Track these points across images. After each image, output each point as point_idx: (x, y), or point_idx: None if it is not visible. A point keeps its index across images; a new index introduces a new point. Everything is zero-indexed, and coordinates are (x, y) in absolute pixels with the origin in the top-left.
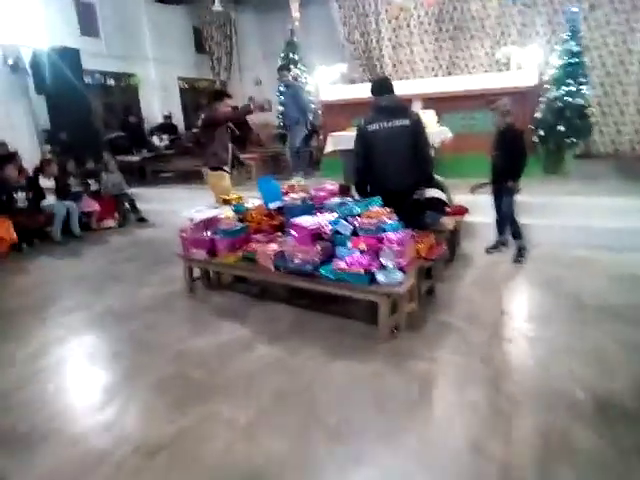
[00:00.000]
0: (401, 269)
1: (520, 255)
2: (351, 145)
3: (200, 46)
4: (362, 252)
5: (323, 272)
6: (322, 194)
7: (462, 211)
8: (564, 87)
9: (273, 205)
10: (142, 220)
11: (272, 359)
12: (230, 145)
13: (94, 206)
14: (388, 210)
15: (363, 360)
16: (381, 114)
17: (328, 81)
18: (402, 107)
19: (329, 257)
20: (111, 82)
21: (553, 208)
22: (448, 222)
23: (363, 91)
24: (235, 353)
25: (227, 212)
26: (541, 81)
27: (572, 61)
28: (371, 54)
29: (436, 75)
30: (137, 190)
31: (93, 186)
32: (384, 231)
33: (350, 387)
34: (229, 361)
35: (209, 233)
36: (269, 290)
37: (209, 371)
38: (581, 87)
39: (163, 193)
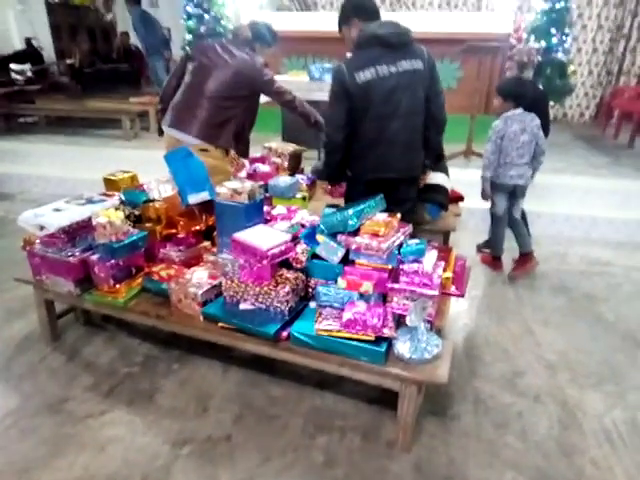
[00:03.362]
0: (431, 323)
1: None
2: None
3: None
4: (364, 297)
5: (298, 335)
6: (263, 169)
7: (457, 197)
8: (546, 38)
9: (194, 198)
10: None
11: None
12: None
13: None
14: (397, 218)
15: None
16: (380, 51)
17: (252, 6)
18: (409, 38)
19: (303, 300)
20: None
21: (540, 191)
22: (451, 219)
23: (299, 22)
24: None
25: (110, 212)
26: (517, 29)
27: (558, 6)
28: None
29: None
30: None
31: None
32: (399, 259)
33: None
34: None
35: (78, 250)
36: None
37: None
38: (564, 39)
39: (23, 148)
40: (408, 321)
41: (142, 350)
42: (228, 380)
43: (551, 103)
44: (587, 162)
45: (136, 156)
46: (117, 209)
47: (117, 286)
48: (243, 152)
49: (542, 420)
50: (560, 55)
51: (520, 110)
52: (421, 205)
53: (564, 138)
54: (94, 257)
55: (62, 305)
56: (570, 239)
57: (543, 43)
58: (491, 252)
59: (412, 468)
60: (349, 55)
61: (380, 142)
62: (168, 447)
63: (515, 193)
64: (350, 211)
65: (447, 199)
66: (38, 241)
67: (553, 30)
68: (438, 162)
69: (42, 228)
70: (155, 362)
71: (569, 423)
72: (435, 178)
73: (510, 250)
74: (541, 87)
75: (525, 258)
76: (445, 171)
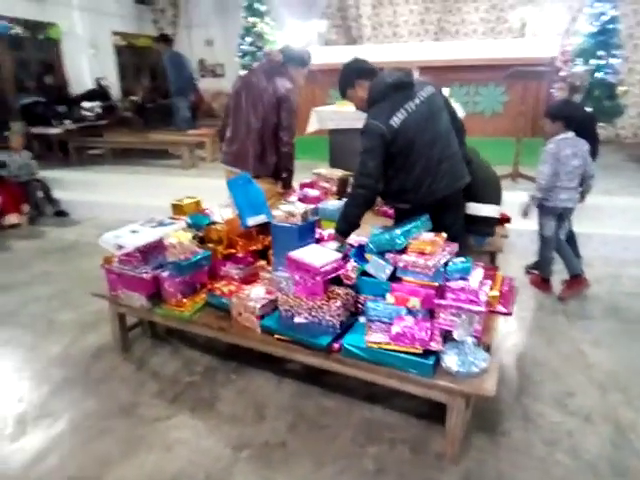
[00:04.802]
0: (478, 339)
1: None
2: (343, 124)
3: None
4: (412, 313)
5: (349, 347)
6: (312, 194)
7: (504, 219)
8: (593, 60)
9: (253, 221)
10: (61, 214)
11: None
12: None
13: None
14: (443, 237)
15: None
16: (398, 95)
17: (302, 41)
18: (411, 77)
19: (354, 315)
20: (22, 32)
21: (591, 212)
22: (497, 240)
23: (346, 55)
24: None
25: (179, 233)
26: (563, 52)
27: (607, 27)
28: (346, 13)
29: (422, 41)
30: (55, 173)
31: None
32: (445, 276)
33: None
34: None
35: (151, 267)
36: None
37: None
38: (612, 60)
39: (93, 177)
40: (456, 335)
41: (203, 361)
42: (282, 391)
43: (601, 124)
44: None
45: (193, 184)
46: (185, 231)
47: (184, 300)
48: (286, 181)
49: (593, 439)
50: (609, 77)
51: (572, 134)
52: (467, 234)
53: (615, 159)
54: (164, 274)
55: (131, 320)
56: (623, 260)
57: (590, 65)
58: (540, 274)
59: (461, 479)
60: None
61: (432, 167)
62: (229, 450)
63: (563, 216)
64: (398, 231)
65: (494, 228)
66: (116, 259)
67: (601, 52)
68: (468, 166)
69: (120, 247)
70: (214, 373)
71: (621, 444)
72: (483, 210)
73: (559, 272)
74: (590, 109)
75: (575, 280)
76: (497, 196)
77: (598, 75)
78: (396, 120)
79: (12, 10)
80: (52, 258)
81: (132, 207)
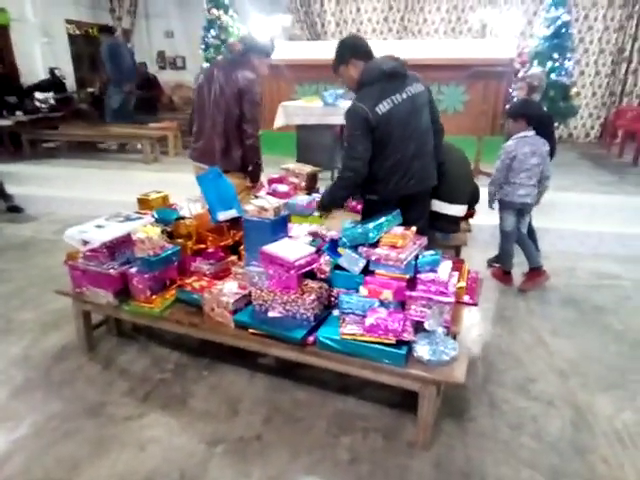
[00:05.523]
0: (448, 329)
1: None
2: (311, 120)
3: None
4: (384, 305)
5: (323, 339)
6: (282, 189)
7: (468, 214)
8: (549, 62)
9: (223, 216)
10: (15, 209)
11: None
12: None
13: None
14: (413, 231)
15: None
16: (389, 84)
17: (266, 35)
18: (407, 68)
19: (327, 308)
20: None
21: (548, 208)
22: (462, 234)
23: (310, 50)
24: None
25: (148, 228)
26: (520, 53)
27: (561, 31)
28: (310, 8)
29: (385, 39)
30: (7, 167)
31: None
32: (416, 269)
33: None
34: None
35: (118, 263)
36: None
37: None
38: (566, 63)
39: (48, 171)
40: (427, 325)
41: (172, 358)
42: (255, 385)
43: (555, 124)
44: (593, 180)
45: (157, 178)
46: (153, 226)
47: (153, 297)
48: (254, 174)
49: (555, 422)
50: (563, 78)
51: (532, 133)
52: (432, 230)
53: (570, 157)
54: (133, 270)
55: (95, 318)
56: (578, 254)
57: (547, 67)
58: (501, 267)
59: (432, 465)
60: (351, 92)
61: (405, 162)
62: (203, 446)
63: (522, 211)
64: (371, 224)
65: (459, 225)
66: (81, 255)
67: (555, 55)
68: (440, 167)
69: (85, 243)
70: (185, 369)
71: (581, 425)
72: (451, 209)
73: (520, 265)
74: (546, 109)
75: (534, 272)
76: (466, 196)
77: (553, 77)
78: (382, 108)
79: None
80: (7, 256)
81: (92, 202)
